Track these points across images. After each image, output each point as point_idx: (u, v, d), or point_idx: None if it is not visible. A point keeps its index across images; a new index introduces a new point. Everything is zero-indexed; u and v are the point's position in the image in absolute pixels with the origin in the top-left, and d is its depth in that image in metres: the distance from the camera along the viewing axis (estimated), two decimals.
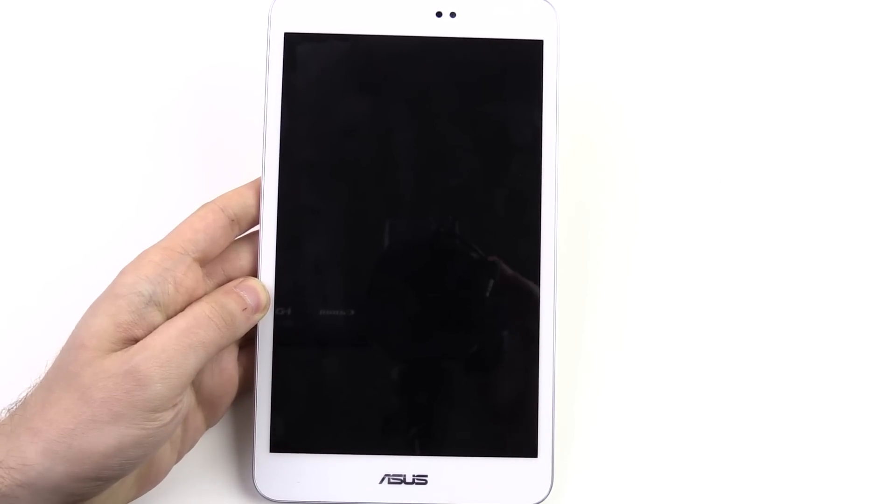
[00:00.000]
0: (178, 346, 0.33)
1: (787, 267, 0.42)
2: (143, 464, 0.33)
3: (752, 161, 0.43)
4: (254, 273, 0.37)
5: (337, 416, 0.37)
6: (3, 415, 0.33)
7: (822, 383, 0.41)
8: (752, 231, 0.42)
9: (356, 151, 0.38)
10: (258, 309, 0.36)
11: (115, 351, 0.32)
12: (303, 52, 0.38)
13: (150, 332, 0.33)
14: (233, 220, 0.36)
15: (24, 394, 0.33)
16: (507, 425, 0.38)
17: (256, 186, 0.37)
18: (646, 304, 0.42)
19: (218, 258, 0.37)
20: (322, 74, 0.38)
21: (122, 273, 0.34)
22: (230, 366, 0.37)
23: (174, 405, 0.33)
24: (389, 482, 0.37)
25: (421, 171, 0.38)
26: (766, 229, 0.43)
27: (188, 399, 0.35)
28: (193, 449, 0.37)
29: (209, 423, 0.37)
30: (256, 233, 0.38)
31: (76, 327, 0.33)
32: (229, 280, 0.37)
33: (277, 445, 0.37)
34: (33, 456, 0.31)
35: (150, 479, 0.36)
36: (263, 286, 0.37)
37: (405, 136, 0.38)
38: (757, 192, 0.43)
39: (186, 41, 0.43)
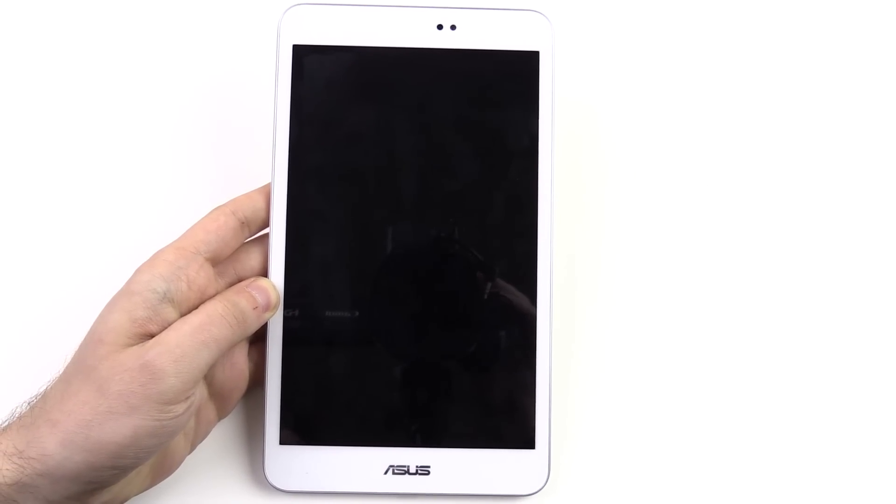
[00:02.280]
0: (191, 341, 0.33)
1: (781, 268, 0.42)
2: (157, 453, 0.34)
3: (744, 168, 0.43)
4: (264, 273, 0.38)
5: (343, 411, 0.38)
6: (24, 407, 0.34)
7: (813, 383, 0.41)
8: (745, 234, 0.43)
9: (361, 158, 0.39)
10: (268, 307, 0.37)
11: (132, 346, 0.33)
12: (310, 63, 0.39)
13: (164, 327, 0.34)
14: (243, 223, 0.37)
15: (45, 387, 0.34)
16: (505, 419, 0.38)
17: (266, 191, 0.38)
18: (641, 302, 0.42)
19: (229, 259, 0.37)
20: (329, 84, 0.39)
21: (137, 271, 0.35)
22: (241, 361, 0.37)
23: (187, 398, 0.33)
24: (393, 473, 0.38)
25: (423, 177, 0.39)
26: (759, 233, 0.43)
27: (201, 392, 0.36)
28: (206, 441, 0.38)
29: (221, 415, 0.38)
30: (266, 235, 0.38)
31: (94, 323, 0.34)
32: (240, 280, 0.37)
33: (287, 438, 0.38)
34: (52, 446, 0.31)
35: (164, 469, 0.36)
36: (273, 286, 0.37)
37: (408, 143, 0.39)
38: (749, 198, 0.43)
39: (201, 54, 0.44)
